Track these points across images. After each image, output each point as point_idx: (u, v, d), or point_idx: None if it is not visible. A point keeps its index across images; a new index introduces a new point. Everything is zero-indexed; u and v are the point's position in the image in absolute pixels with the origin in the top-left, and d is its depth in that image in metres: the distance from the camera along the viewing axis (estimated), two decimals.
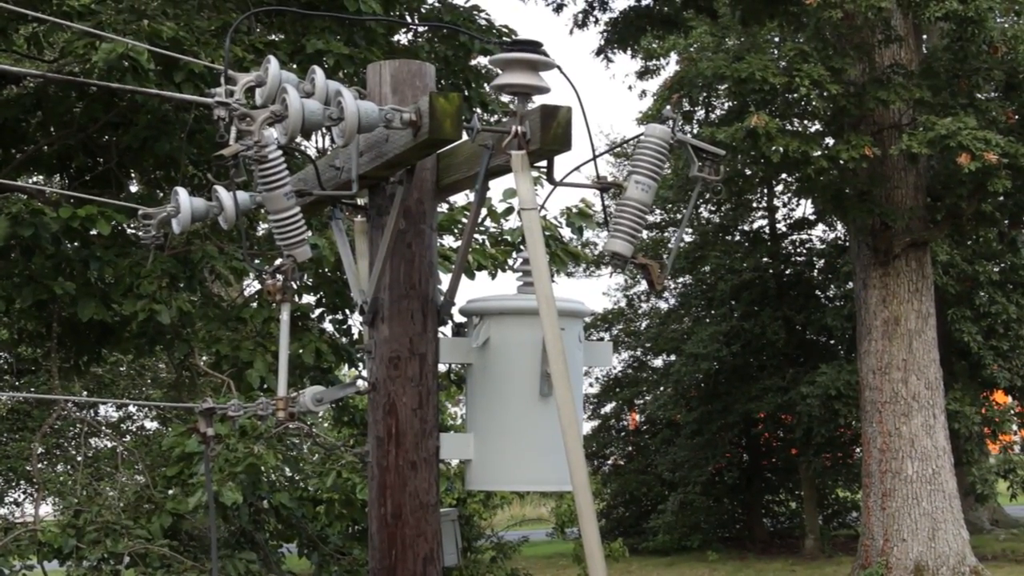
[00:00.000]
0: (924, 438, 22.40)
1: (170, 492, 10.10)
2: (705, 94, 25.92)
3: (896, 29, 21.68)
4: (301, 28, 10.60)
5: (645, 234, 25.16)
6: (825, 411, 26.53)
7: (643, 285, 31.67)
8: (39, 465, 15.36)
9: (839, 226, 29.42)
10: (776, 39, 25.05)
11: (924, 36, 24.27)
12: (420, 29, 12.15)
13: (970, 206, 22.08)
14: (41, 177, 11.81)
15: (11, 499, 18.14)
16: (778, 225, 31.89)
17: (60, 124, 11.48)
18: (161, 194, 11.27)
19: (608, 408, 33.56)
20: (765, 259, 31.11)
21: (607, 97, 66.62)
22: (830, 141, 22.71)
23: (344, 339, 11.87)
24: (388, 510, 5.86)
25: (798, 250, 32.02)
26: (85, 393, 11.38)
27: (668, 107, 20.40)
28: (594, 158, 5.22)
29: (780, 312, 29.88)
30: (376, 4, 10.86)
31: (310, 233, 5.46)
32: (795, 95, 22.07)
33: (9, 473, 14.47)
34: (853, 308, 24.73)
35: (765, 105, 22.53)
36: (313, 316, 11.97)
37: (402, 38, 12.01)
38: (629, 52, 25.01)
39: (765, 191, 31.03)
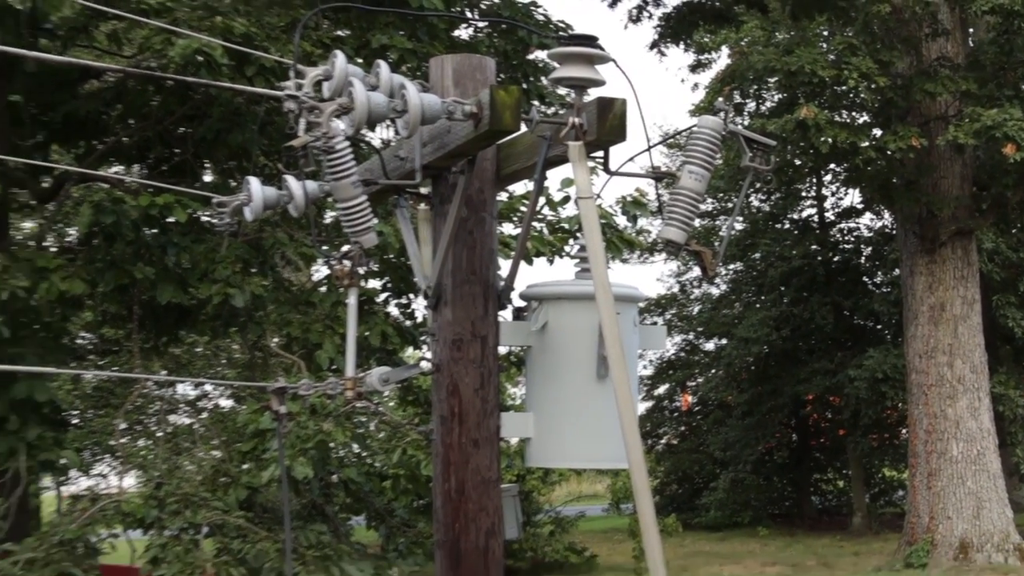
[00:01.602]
0: (969, 420, 22.24)
1: (245, 466, 10.18)
2: (756, 87, 25.70)
3: (943, 23, 21.48)
4: (366, 24, 10.63)
5: (698, 222, 25.09)
6: (872, 393, 26.38)
7: (696, 271, 31.61)
8: (122, 440, 15.52)
9: (886, 215, 29.28)
10: (825, 33, 24.82)
11: (971, 29, 24.02)
12: (480, 24, 12.15)
13: (1015, 195, 21.91)
14: (121, 167, 11.90)
15: (97, 472, 18.38)
16: (827, 214, 31.67)
17: (139, 117, 11.58)
18: (234, 183, 11.33)
19: (662, 389, 33.55)
20: (814, 247, 30.88)
21: (660, 90, 66.36)
22: (878, 132, 22.50)
23: (408, 322, 11.92)
24: (452, 485, 5.87)
25: (846, 238, 31.82)
26: (164, 372, 11.48)
27: (720, 99, 20.36)
28: (648, 148, 5.18)
29: (828, 298, 29.63)
30: (439, 1, 10.87)
31: (376, 221, 5.44)
32: (844, 87, 21.85)
33: (95, 447, 14.63)
34: (900, 294, 24.54)
35: (814, 97, 22.39)
36: (379, 300, 12.02)
37: (463, 33, 12.02)
38: (682, 46, 24.87)
39: (814, 181, 30.81)
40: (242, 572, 9.33)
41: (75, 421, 11.00)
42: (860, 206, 30.90)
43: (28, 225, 12.80)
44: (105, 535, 10.23)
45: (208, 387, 16.18)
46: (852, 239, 31.79)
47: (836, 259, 31.13)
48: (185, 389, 17.50)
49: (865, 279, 31.29)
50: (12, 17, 10.15)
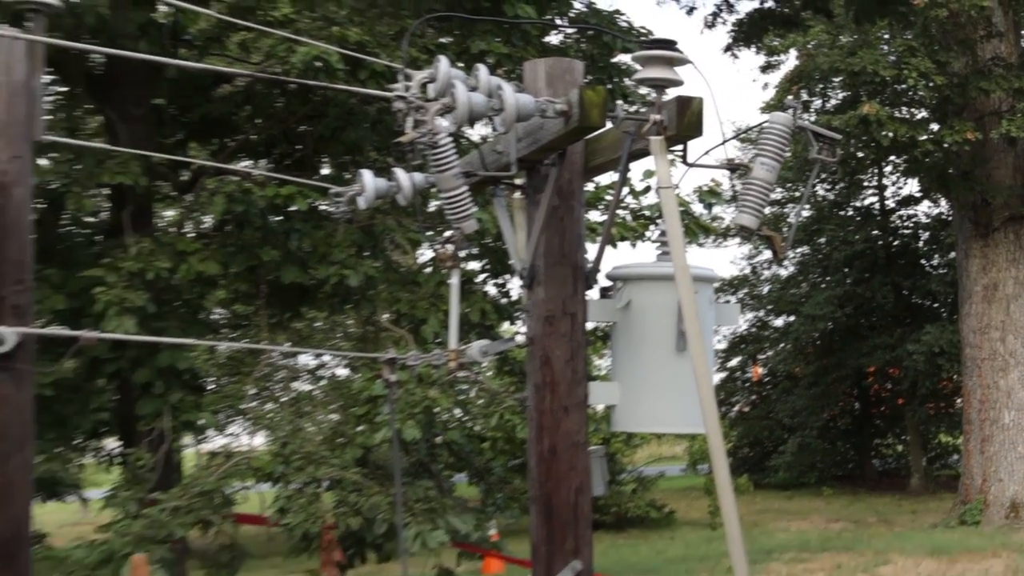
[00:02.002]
0: (1020, 390, 21.91)
1: (359, 428, 10.24)
2: (822, 86, 25.56)
3: (997, 25, 21.09)
4: (466, 32, 10.63)
5: (768, 209, 24.90)
6: (929, 366, 26.07)
7: (766, 254, 31.41)
8: (251, 404, 15.71)
9: (943, 202, 28.76)
10: (886, 36, 24.52)
11: (1023, 32, 23.56)
12: (569, 31, 12.11)
13: None
14: (250, 162, 12.02)
15: (230, 432, 18.67)
16: (887, 201, 31.11)
17: (265, 117, 11.70)
18: (348, 176, 11.40)
19: (734, 362, 33.30)
20: (875, 232, 30.47)
21: (733, 89, 65.71)
22: (935, 127, 22.19)
23: (504, 300, 11.93)
24: (545, 447, 5.87)
25: (905, 224, 31.29)
26: (288, 344, 11.59)
27: (790, 97, 20.17)
28: (723, 142, 5.13)
29: (889, 279, 29.29)
30: (531, 9, 10.85)
31: (476, 208, 5.43)
32: (904, 86, 21.59)
33: (228, 410, 14.82)
34: (955, 275, 24.18)
35: (876, 95, 22.16)
36: (478, 280, 12.05)
37: (553, 39, 11.98)
38: (753, 49, 24.57)
39: (876, 171, 30.36)
40: (358, 522, 9.41)
41: (211, 387, 11.14)
42: (918, 195, 30.28)
43: (169, 213, 12.98)
44: (238, 487, 10.44)
45: (326, 358, 16.31)
46: (911, 225, 31.28)
47: (896, 243, 30.69)
48: (306, 359, 17.69)
49: (923, 261, 30.82)
50: (156, 30, 10.32)
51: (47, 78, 6.36)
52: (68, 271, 10.03)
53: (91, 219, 12.19)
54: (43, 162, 9.71)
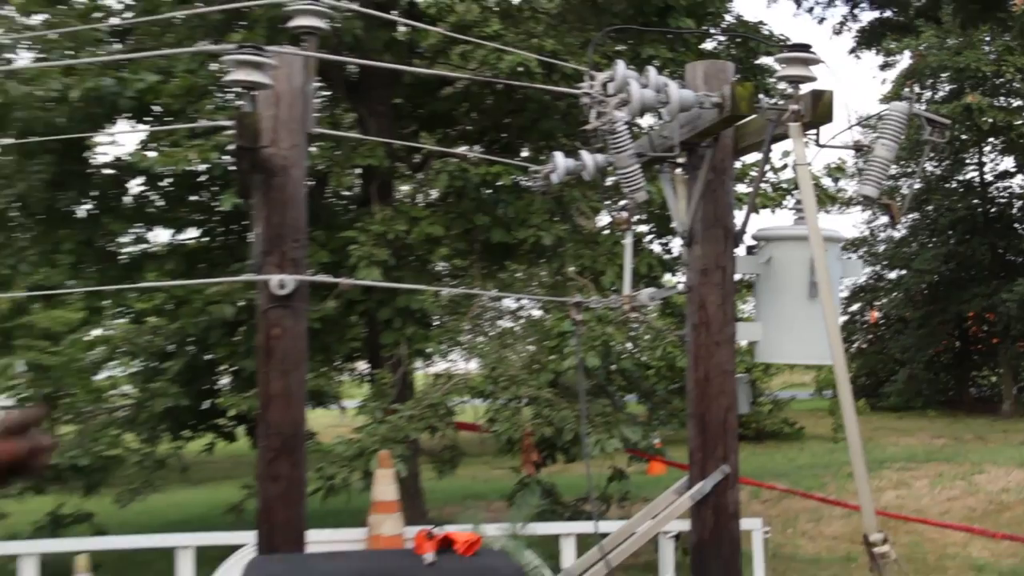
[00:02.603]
0: None
1: (551, 357, 10.30)
2: (931, 80, 24.89)
3: None
4: (638, 41, 10.50)
5: (885, 182, 24.65)
6: (1021, 311, 25.13)
7: (882, 219, 30.67)
8: (467, 337, 16.01)
9: None
10: (987, 38, 23.49)
11: None
12: (721, 38, 11.87)
13: None
14: (466, 147, 12.16)
15: (451, 358, 19.13)
16: (986, 175, 29.89)
17: (478, 111, 11.80)
18: (543, 157, 11.44)
19: (855, 307, 32.63)
20: (975, 201, 29.40)
21: (856, 84, 63.36)
22: None
23: (667, 256, 11.81)
24: (700, 374, 5.84)
25: (1001, 194, 29.99)
26: (495, 290, 11.73)
27: (906, 90, 19.57)
28: (849, 127, 4.99)
29: (986, 239, 28.30)
30: (691, 21, 10.68)
31: (645, 182, 5.40)
32: (1002, 79, 20.75)
33: (449, 342, 15.11)
34: None
35: (978, 87, 21.42)
36: (646, 240, 11.96)
37: (708, 45, 11.74)
38: (873, 51, 23.85)
39: (976, 151, 29.20)
40: (550, 431, 9.50)
41: (436, 323, 11.38)
42: (1013, 169, 29.16)
43: (405, 188, 13.24)
44: (457, 401, 10.51)
45: (525, 301, 16.48)
46: (1006, 195, 30.00)
47: (992, 210, 29.56)
48: (509, 303, 17.90)
49: (1016, 225, 29.60)
50: (397, 45, 10.52)
51: (316, 85, 6.56)
52: (330, 232, 10.31)
53: (347, 192, 12.53)
54: (312, 149, 10.02)
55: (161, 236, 12.15)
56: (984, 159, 30.00)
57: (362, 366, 13.94)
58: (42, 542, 7.22)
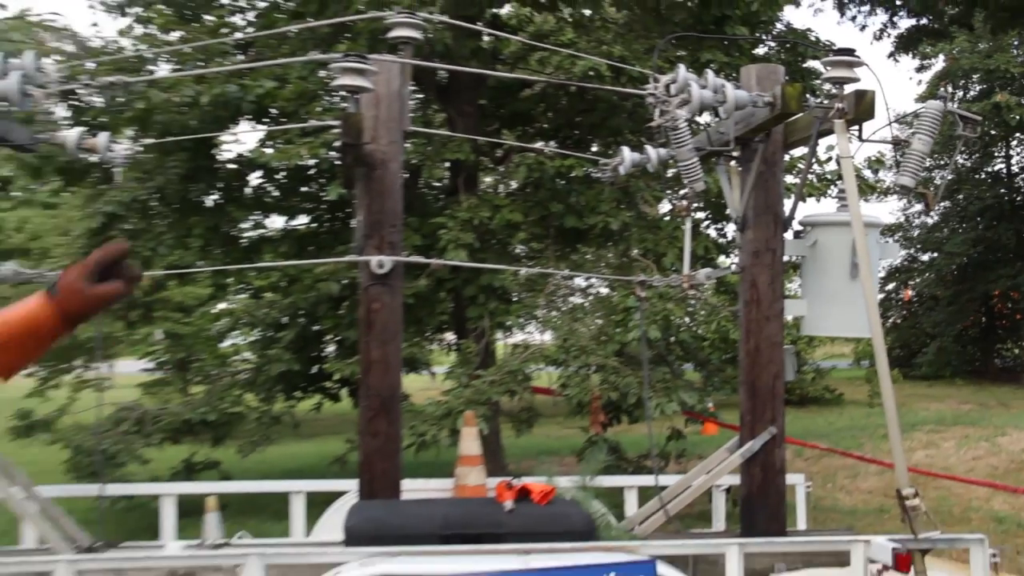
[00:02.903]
0: None
1: (617, 330, 10.29)
2: (963, 81, 24.40)
3: None
4: (697, 46, 10.38)
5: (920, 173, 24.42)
6: None
7: (917, 207, 30.18)
8: (542, 311, 16.02)
9: None
10: (1016, 43, 22.83)
11: None
12: (772, 44, 11.66)
13: None
14: (543, 142, 12.16)
15: (528, 330, 19.15)
16: (1012, 167, 29.24)
17: (554, 111, 11.78)
18: (611, 152, 11.39)
19: (891, 286, 32.13)
20: (1002, 190, 28.77)
21: (895, 84, 61.72)
22: None
23: (722, 240, 11.69)
24: (751, 346, 5.81)
25: None
26: (567, 270, 11.73)
27: (941, 89, 19.17)
28: (888, 124, 4.90)
29: (1012, 226, 27.63)
30: (744, 29, 10.51)
31: (703, 173, 5.37)
32: None
33: (527, 316, 15.15)
34: None
35: (1006, 87, 20.94)
36: (703, 225, 11.84)
37: (760, 50, 11.55)
38: (911, 55, 23.32)
39: (1004, 145, 28.56)
40: (616, 395, 9.50)
41: (515, 299, 11.42)
42: None
43: (488, 179, 13.29)
44: (533, 368, 10.45)
45: (594, 280, 16.42)
46: None
47: (1019, 199, 28.93)
48: (579, 281, 17.84)
49: None
50: (482, 52, 10.52)
51: (411, 88, 6.62)
52: (422, 219, 10.36)
53: (437, 183, 12.59)
54: (407, 145, 10.13)
55: (276, 222, 12.37)
56: (1011, 152, 29.46)
57: (449, 337, 14.04)
58: (178, 484, 7.40)
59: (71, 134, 5.87)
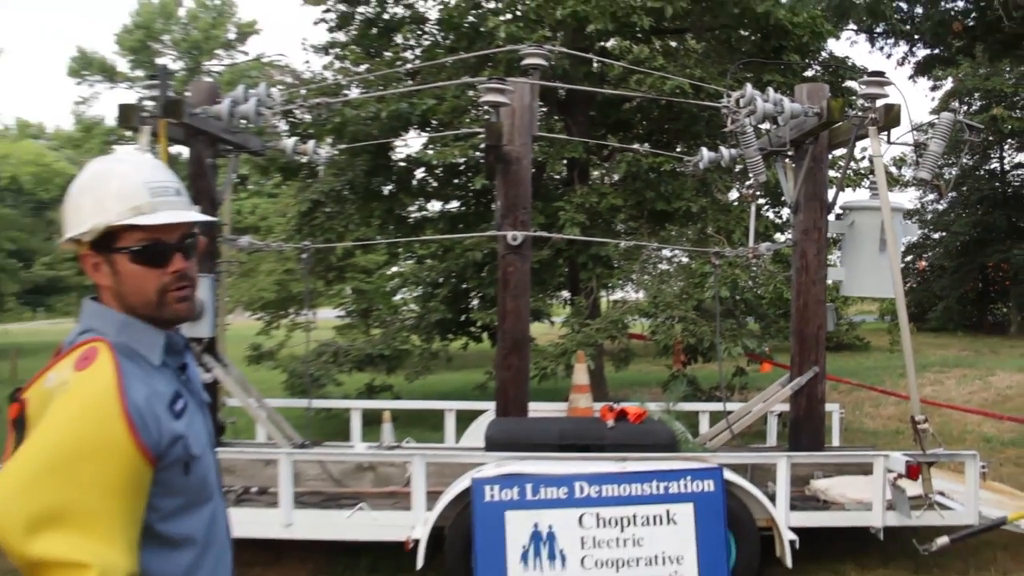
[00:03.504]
0: None
1: (695, 290, 10.21)
2: (967, 98, 23.98)
3: None
4: (760, 70, 10.14)
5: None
6: None
7: (930, 196, 29.06)
8: (637, 275, 15.85)
9: None
10: (1008, 68, 22.26)
11: None
12: (819, 68, 11.30)
13: None
14: (639, 144, 12.11)
15: (626, 290, 18.87)
16: (1005, 165, 27.89)
17: (648, 120, 11.67)
18: (693, 151, 11.25)
19: (909, 258, 30.84)
20: (997, 184, 27.41)
21: (914, 100, 58.00)
22: None
23: (778, 220, 11.43)
24: (801, 303, 5.80)
25: (1016, 179, 27.93)
26: (656, 243, 11.69)
27: (952, 104, 18.56)
28: (911, 130, 4.81)
29: (1004, 212, 26.42)
30: (796, 56, 10.23)
31: (765, 168, 5.39)
32: (1018, 97, 19.81)
33: (625, 279, 14.99)
34: None
35: (1002, 102, 20.76)
36: (764, 209, 11.60)
37: (809, 73, 11.19)
38: (926, 77, 22.62)
39: (999, 148, 27.37)
40: (694, 340, 9.48)
41: (616, 265, 11.46)
42: None
43: (596, 173, 13.31)
44: (630, 319, 10.39)
45: (677, 251, 16.22)
46: (1019, 180, 27.96)
47: (1009, 191, 27.60)
48: (666, 252, 17.62)
49: None
50: (592, 75, 10.50)
51: (538, 103, 6.79)
52: (546, 203, 10.43)
53: (557, 176, 12.62)
54: (535, 146, 10.30)
55: (435, 206, 12.70)
56: (1004, 154, 28.57)
57: (565, 294, 14.17)
58: (363, 401, 7.77)
59: (289, 142, 6.33)
